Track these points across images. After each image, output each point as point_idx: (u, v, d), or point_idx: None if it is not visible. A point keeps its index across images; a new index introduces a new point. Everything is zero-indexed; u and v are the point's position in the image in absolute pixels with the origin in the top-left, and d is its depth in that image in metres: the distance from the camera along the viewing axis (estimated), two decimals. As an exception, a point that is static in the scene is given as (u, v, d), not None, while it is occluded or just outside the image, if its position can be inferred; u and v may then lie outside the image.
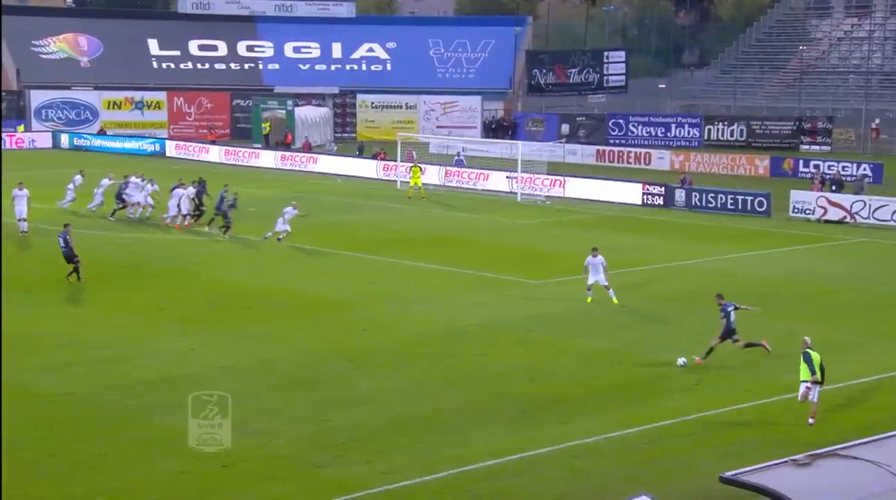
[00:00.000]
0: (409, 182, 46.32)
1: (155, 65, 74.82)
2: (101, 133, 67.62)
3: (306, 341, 22.55)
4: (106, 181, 39.68)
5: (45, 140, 65.74)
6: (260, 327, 23.58)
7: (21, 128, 66.86)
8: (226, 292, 27.18)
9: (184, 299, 26.29)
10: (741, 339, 20.93)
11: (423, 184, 46.28)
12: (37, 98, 68.99)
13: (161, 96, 71.97)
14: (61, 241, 27.53)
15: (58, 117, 69.36)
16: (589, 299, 25.69)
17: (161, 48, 75.39)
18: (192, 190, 37.06)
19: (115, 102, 70.98)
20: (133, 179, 38.86)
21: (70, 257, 27.38)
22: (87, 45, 73.89)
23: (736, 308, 20.83)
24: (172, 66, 74.97)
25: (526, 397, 18.85)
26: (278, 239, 33.55)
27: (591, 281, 25.56)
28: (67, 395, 18.56)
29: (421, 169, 47.02)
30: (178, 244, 33.82)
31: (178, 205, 36.36)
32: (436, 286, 27.89)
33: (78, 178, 40.04)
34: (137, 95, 71.42)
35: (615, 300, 25.48)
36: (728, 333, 20.76)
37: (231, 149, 61.50)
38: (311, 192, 47.48)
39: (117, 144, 64.74)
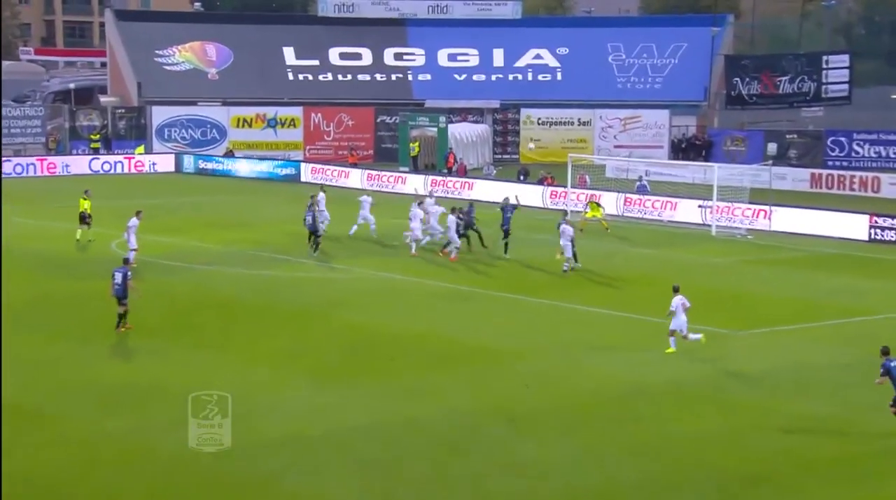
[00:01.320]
0: (585, 213, 46.14)
1: (290, 76, 77.34)
2: (229, 155, 70.27)
3: (460, 398, 22.74)
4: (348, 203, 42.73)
5: (167, 163, 68.69)
6: (406, 381, 23.94)
7: (141, 149, 69.85)
8: (365, 337, 27.73)
9: (319, 345, 26.93)
10: None
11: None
12: (159, 115, 72.24)
13: (297, 112, 74.39)
14: (118, 277, 26.86)
15: (181, 137, 72.53)
16: (669, 350, 25.58)
17: (298, 57, 77.93)
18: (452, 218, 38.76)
19: (244, 120, 73.76)
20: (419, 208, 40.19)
21: (121, 297, 27.00)
22: (215, 54, 77.10)
23: None
24: (310, 77, 77.35)
25: (722, 471, 18.51)
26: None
27: (673, 326, 25.64)
28: (189, 455, 19.20)
29: (599, 206, 46.75)
30: (317, 283, 34.80)
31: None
32: (611, 336, 27.77)
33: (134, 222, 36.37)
34: (270, 111, 74.03)
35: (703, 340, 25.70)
36: None
37: (374, 173, 62.91)
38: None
39: (246, 168, 67.21)
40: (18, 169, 63.26)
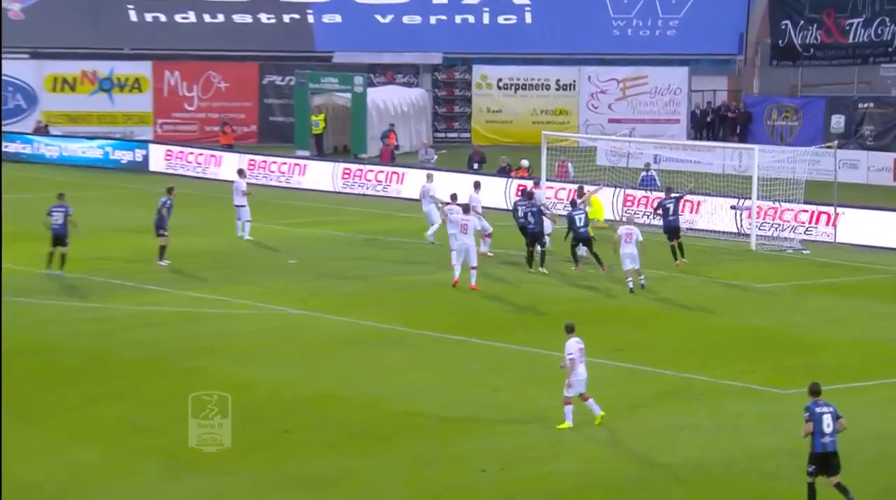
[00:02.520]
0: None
1: (133, 16, 77.07)
2: (42, 131, 69.82)
3: (382, 491, 22.76)
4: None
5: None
6: (305, 465, 24.02)
7: None
8: (247, 401, 27.75)
9: (174, 412, 26.88)
10: None
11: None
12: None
13: (143, 69, 74.30)
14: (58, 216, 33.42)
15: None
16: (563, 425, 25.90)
17: (144, -12, 77.77)
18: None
19: (64, 80, 73.43)
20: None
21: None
22: (19, -17, 76.74)
23: None
24: (162, 18, 77.17)
25: None
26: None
27: (573, 390, 26.03)
28: None
29: (601, 200, 47.28)
30: (176, 320, 34.63)
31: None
32: (604, 395, 27.90)
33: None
34: (103, 68, 73.68)
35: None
36: None
37: (258, 159, 62.84)
38: (392, 234, 48.11)
39: (68, 150, 66.77)
40: None
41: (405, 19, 78.10)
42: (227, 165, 61.92)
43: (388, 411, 26.96)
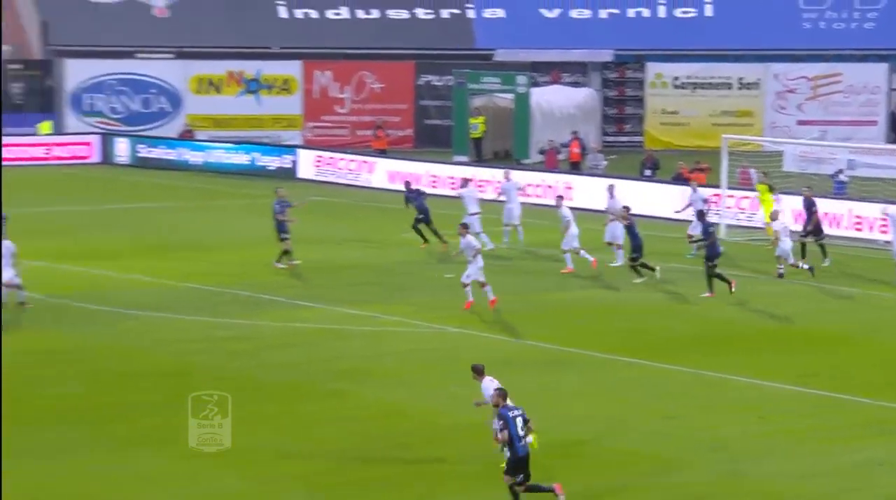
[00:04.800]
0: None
1: (283, 13, 77.70)
2: (187, 138, 70.49)
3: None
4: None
5: (88, 148, 69.20)
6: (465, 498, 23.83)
7: (46, 126, 70.37)
8: (399, 427, 27.63)
9: (321, 439, 26.93)
10: None
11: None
12: (76, 74, 72.83)
13: (292, 69, 74.76)
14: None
15: (111, 109, 73.03)
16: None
17: (295, -16, 78.35)
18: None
19: (210, 81, 74.15)
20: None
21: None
22: (164, -21, 77.75)
23: None
24: (314, 15, 77.66)
25: None
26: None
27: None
28: None
29: (772, 192, 46.73)
30: (322, 339, 34.78)
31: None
32: (796, 426, 27.39)
33: None
34: (250, 68, 74.32)
35: None
36: None
37: (410, 164, 62.69)
38: (549, 246, 47.92)
39: (210, 157, 67.27)
40: None
41: (573, 13, 77.91)
42: (379, 172, 61.92)
43: (550, 441, 26.64)
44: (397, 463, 25.60)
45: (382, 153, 66.59)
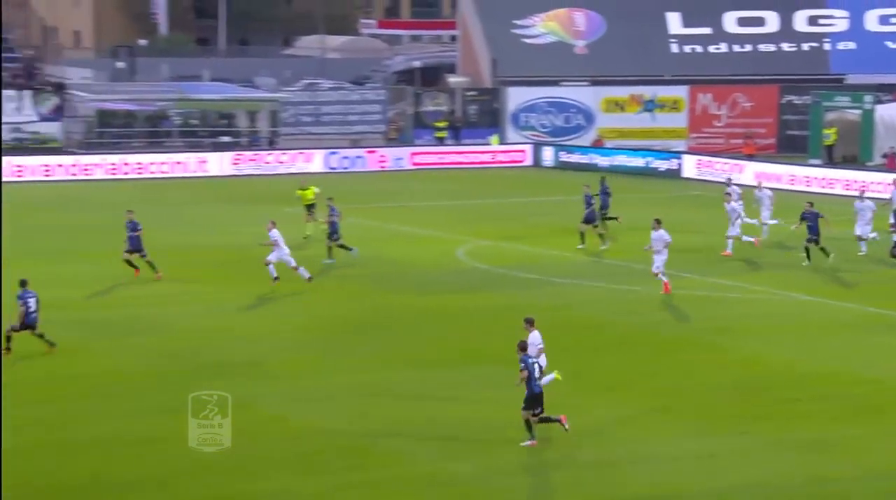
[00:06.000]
0: None
1: (674, 48, 77.21)
2: (598, 146, 71.01)
3: (879, 457, 22.08)
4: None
5: (523, 155, 70.32)
6: (811, 432, 23.61)
7: (495, 138, 72.11)
8: (760, 374, 27.40)
9: (703, 381, 26.88)
10: None
11: None
12: (515, 98, 74.07)
13: (680, 92, 74.22)
14: (32, 303, 27.23)
15: (540, 124, 74.07)
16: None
17: (685, 24, 77.63)
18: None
19: (617, 103, 74.38)
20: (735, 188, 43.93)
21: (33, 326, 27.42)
22: (584, 23, 78.02)
23: None
24: (699, 49, 76.98)
25: None
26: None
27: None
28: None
29: None
30: (697, 303, 34.64)
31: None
32: None
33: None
34: (648, 92, 74.21)
35: None
36: None
37: (772, 166, 61.65)
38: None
39: (614, 161, 67.55)
40: (345, 163, 66.27)
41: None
42: (748, 173, 61.23)
43: (888, 390, 26.10)
44: (760, 402, 25.43)
45: (751, 158, 65.64)
